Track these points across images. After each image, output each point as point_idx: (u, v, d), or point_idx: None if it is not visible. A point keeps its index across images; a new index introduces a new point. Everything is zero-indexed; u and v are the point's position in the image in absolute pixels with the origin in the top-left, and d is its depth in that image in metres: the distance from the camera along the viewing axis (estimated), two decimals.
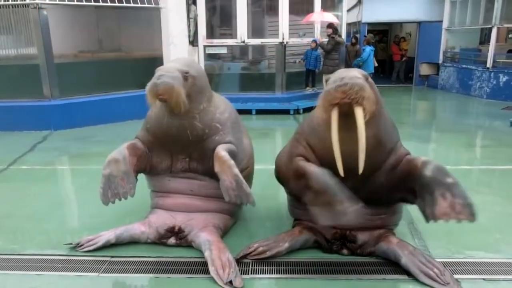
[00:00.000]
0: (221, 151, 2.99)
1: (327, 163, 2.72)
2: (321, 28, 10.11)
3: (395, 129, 2.95)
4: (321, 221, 2.71)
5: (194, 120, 3.06)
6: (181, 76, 2.91)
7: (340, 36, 9.58)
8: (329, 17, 9.78)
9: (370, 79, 2.66)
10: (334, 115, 2.45)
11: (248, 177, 3.46)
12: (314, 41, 9.71)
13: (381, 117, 2.72)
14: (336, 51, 9.64)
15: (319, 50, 9.82)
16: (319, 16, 9.78)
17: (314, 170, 2.70)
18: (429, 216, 2.62)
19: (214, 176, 3.07)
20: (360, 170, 2.51)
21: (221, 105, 3.29)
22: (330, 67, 9.62)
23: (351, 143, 2.49)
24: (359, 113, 2.41)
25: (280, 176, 3.27)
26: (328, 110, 2.48)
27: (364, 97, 2.39)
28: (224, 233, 3.33)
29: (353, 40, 11.01)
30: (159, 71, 2.90)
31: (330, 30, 9.55)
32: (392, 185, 2.81)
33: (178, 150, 3.19)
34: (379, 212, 2.99)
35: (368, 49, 10.26)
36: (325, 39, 9.70)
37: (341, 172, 2.55)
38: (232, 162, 2.93)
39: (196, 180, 3.25)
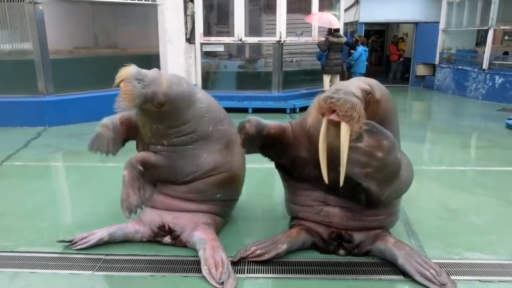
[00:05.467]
0: (128, 160, 3.09)
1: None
2: (319, 27, 10.11)
3: (398, 141, 2.86)
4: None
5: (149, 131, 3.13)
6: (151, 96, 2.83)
7: (338, 36, 9.52)
8: (326, 22, 9.62)
9: (376, 89, 2.57)
10: (324, 126, 2.35)
11: (225, 182, 3.25)
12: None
13: (392, 126, 2.67)
14: (335, 51, 9.57)
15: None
16: (316, 19, 9.71)
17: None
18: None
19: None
20: (341, 184, 2.41)
21: (187, 129, 3.09)
22: (328, 67, 9.63)
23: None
24: (344, 131, 2.26)
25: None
26: (318, 118, 2.40)
27: (353, 116, 2.26)
28: (216, 230, 3.29)
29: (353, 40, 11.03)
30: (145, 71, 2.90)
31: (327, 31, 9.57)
32: None
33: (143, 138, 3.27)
34: (377, 213, 2.98)
35: (360, 49, 10.24)
36: (323, 39, 9.70)
37: (326, 180, 2.46)
38: (124, 172, 3.03)
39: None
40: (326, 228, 3.07)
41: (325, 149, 2.40)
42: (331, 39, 9.37)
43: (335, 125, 2.32)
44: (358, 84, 2.52)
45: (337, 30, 9.57)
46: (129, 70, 2.79)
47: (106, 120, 3.32)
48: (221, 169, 3.20)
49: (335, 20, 9.60)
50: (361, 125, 2.30)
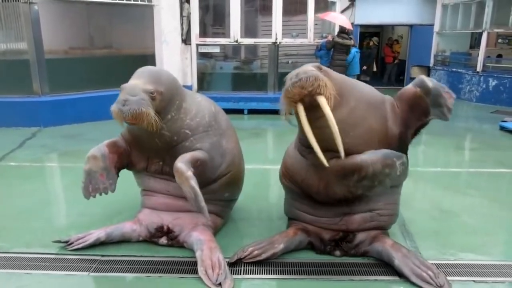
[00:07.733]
0: (178, 162, 2.85)
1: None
2: (315, 29, 10.15)
3: (375, 90, 3.07)
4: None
5: (161, 130, 2.95)
6: (148, 97, 2.79)
7: (343, 37, 9.55)
8: (342, 20, 9.84)
9: (324, 68, 2.74)
10: (301, 111, 2.53)
11: (233, 181, 3.37)
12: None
13: (353, 91, 2.81)
14: (340, 52, 9.60)
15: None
16: (332, 17, 9.88)
17: (362, 158, 2.66)
18: (448, 113, 3.00)
19: None
20: (342, 154, 2.57)
21: (192, 109, 3.11)
22: (331, 66, 9.66)
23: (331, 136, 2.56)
24: (322, 101, 2.48)
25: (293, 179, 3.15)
26: (292, 107, 2.56)
27: (320, 85, 2.47)
28: (215, 231, 3.31)
29: None
30: (123, 91, 2.78)
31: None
32: (407, 126, 3.05)
33: (152, 153, 3.15)
34: (388, 211, 3.05)
35: (353, 51, 10.30)
36: (331, 39, 9.76)
37: (325, 164, 2.61)
38: (189, 173, 2.78)
39: (171, 182, 3.11)
40: (330, 231, 3.07)
41: (311, 133, 2.56)
42: (336, 39, 9.47)
43: (310, 106, 2.52)
44: (308, 66, 2.68)
45: (344, 32, 9.62)
46: (115, 110, 2.75)
47: (92, 151, 3.12)
48: (230, 167, 3.29)
49: (346, 20, 9.94)
50: (331, 91, 2.51)
